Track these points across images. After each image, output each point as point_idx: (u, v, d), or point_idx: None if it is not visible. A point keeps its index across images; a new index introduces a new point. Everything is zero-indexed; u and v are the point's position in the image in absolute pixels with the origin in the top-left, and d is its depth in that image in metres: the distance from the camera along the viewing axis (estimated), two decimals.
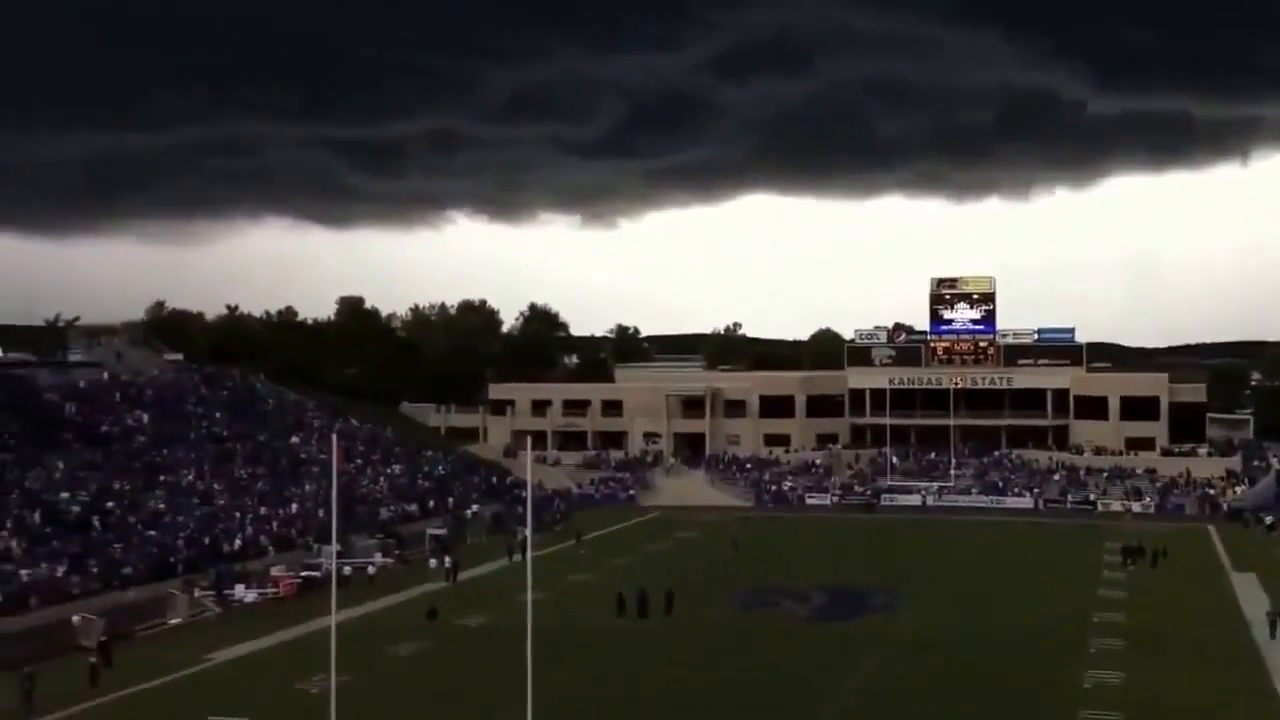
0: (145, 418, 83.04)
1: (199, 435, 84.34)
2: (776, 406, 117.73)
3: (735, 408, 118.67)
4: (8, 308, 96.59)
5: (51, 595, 54.24)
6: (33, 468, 68.66)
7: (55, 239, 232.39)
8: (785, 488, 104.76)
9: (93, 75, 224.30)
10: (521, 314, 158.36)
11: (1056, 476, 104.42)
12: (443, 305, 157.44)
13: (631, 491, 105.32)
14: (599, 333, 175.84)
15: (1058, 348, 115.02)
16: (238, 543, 67.10)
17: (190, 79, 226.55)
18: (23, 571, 55.18)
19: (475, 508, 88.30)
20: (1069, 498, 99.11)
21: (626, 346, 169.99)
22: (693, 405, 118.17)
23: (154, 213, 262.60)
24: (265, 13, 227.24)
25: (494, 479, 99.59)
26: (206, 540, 65.84)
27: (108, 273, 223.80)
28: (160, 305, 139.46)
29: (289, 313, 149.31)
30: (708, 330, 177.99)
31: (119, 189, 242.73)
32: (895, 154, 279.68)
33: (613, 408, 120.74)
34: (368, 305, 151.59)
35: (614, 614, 55.98)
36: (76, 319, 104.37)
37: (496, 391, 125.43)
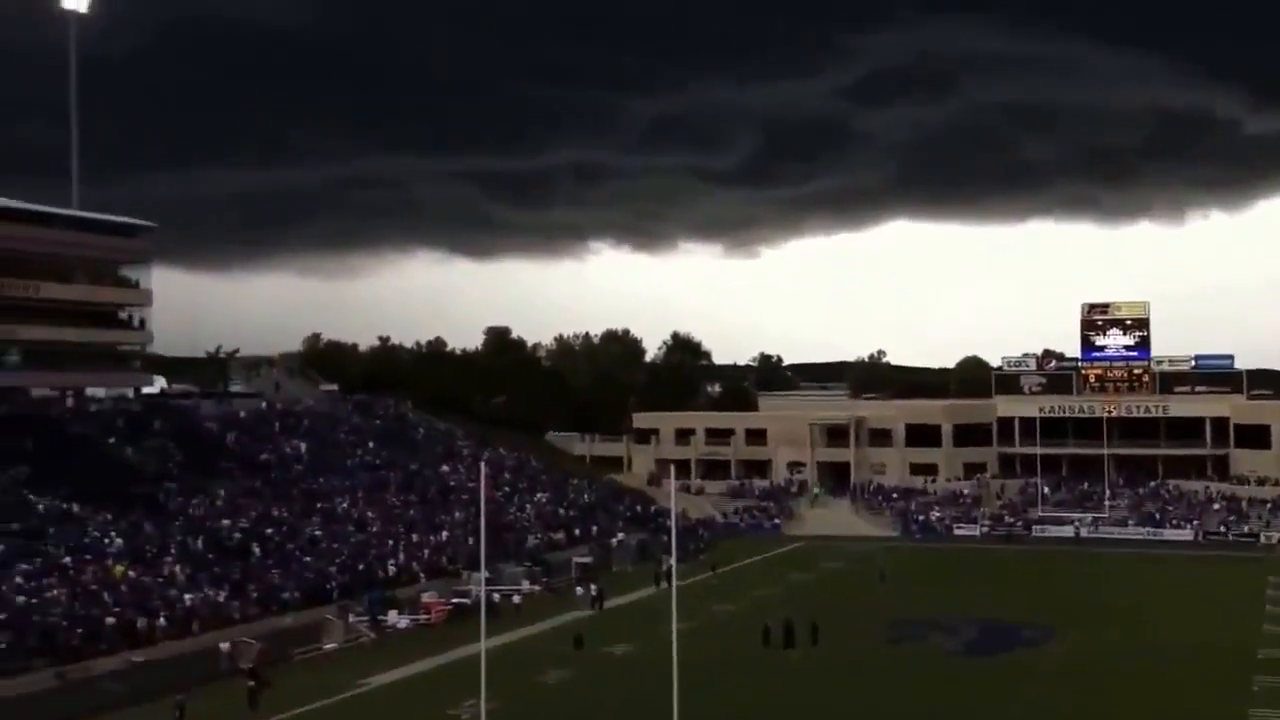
0: (302, 446, 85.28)
1: (353, 463, 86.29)
2: (923, 435, 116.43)
3: (880, 437, 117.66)
4: (173, 341, 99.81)
5: (213, 620, 55.93)
6: (195, 495, 70.92)
7: (218, 274, 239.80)
8: (932, 518, 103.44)
9: (253, 115, 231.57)
10: (664, 343, 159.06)
11: (1216, 507, 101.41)
12: (586, 335, 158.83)
13: (776, 521, 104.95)
14: (742, 361, 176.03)
15: (1216, 374, 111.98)
16: (391, 569, 68.43)
17: (343, 117, 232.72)
18: (186, 596, 56.92)
19: (620, 536, 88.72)
20: (1230, 530, 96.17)
21: (769, 375, 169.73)
22: (837, 434, 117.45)
23: (311, 247, 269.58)
24: (414, 51, 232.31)
25: (638, 508, 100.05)
26: (361, 566, 67.27)
27: (267, 306, 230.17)
28: (316, 337, 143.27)
29: (438, 343, 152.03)
30: (851, 358, 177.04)
31: (278, 225, 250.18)
32: (1042, 177, 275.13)
33: (756, 436, 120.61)
34: (514, 335, 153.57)
35: (759, 645, 55.84)
36: (237, 351, 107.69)
37: (640, 420, 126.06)
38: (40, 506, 62.48)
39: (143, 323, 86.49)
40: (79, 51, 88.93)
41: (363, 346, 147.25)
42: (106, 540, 61.14)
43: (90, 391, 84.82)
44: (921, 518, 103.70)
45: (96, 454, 72.87)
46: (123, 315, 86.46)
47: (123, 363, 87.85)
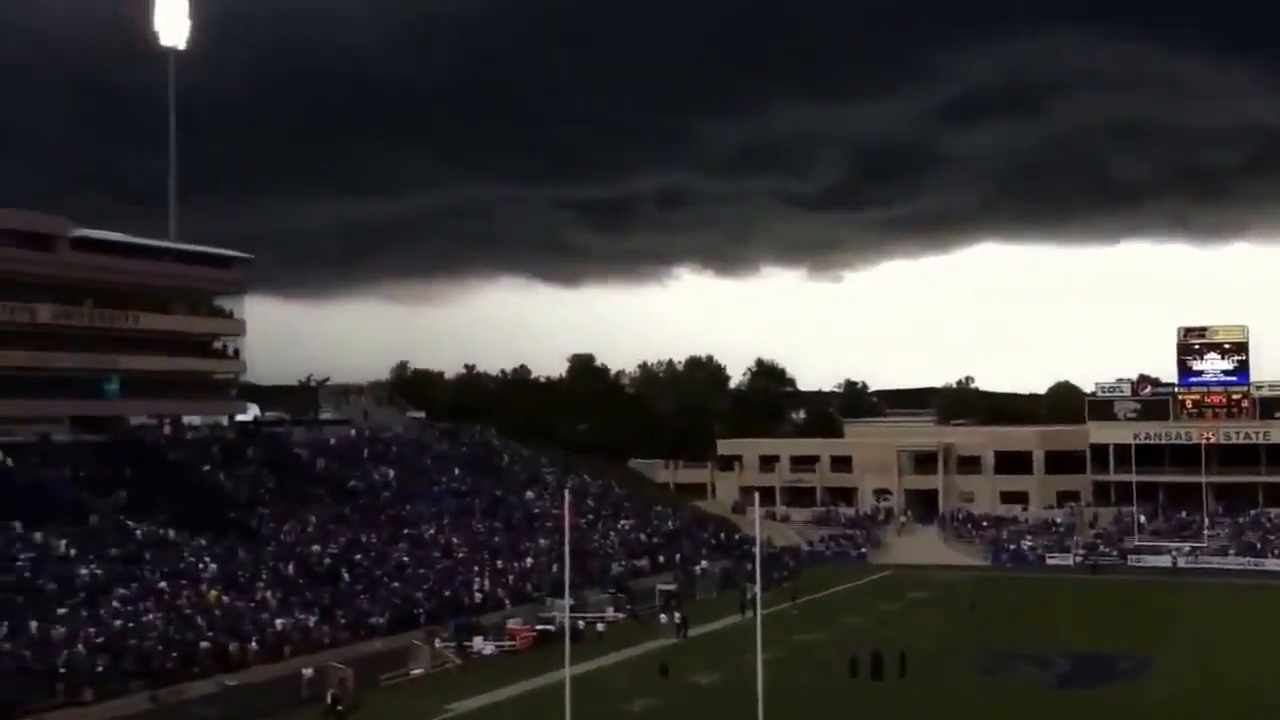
0: (390, 473, 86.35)
1: (440, 490, 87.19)
2: (1013, 462, 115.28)
3: (969, 464, 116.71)
4: (266, 369, 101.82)
5: (303, 645, 56.74)
6: (287, 521, 72.07)
7: (310, 303, 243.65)
8: (1024, 547, 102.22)
9: (344, 148, 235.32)
10: (749, 369, 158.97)
11: None
12: (670, 361, 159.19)
13: (862, 549, 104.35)
14: (827, 387, 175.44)
15: None
16: (476, 595, 69.03)
17: (431, 148, 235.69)
18: (278, 621, 57.81)
19: (704, 564, 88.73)
20: None
21: (856, 401, 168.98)
22: (925, 461, 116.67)
23: (400, 276, 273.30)
24: (501, 79, 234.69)
25: (722, 535, 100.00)
26: (447, 593, 67.93)
27: (357, 334, 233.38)
28: (404, 365, 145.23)
29: (523, 370, 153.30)
30: (939, 384, 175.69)
31: (368, 254, 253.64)
32: (1135, 197, 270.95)
33: (842, 463, 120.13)
34: (597, 362, 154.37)
35: (846, 675, 55.51)
36: (327, 379, 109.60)
37: (724, 447, 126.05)
38: (138, 532, 63.79)
39: (237, 352, 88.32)
40: (178, 87, 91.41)
41: (449, 374, 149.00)
42: (201, 565, 62.29)
43: (186, 419, 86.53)
44: (1012, 547, 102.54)
45: (192, 481, 74.31)
46: (218, 345, 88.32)
47: (218, 391, 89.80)
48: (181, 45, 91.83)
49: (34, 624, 50.38)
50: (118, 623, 52.85)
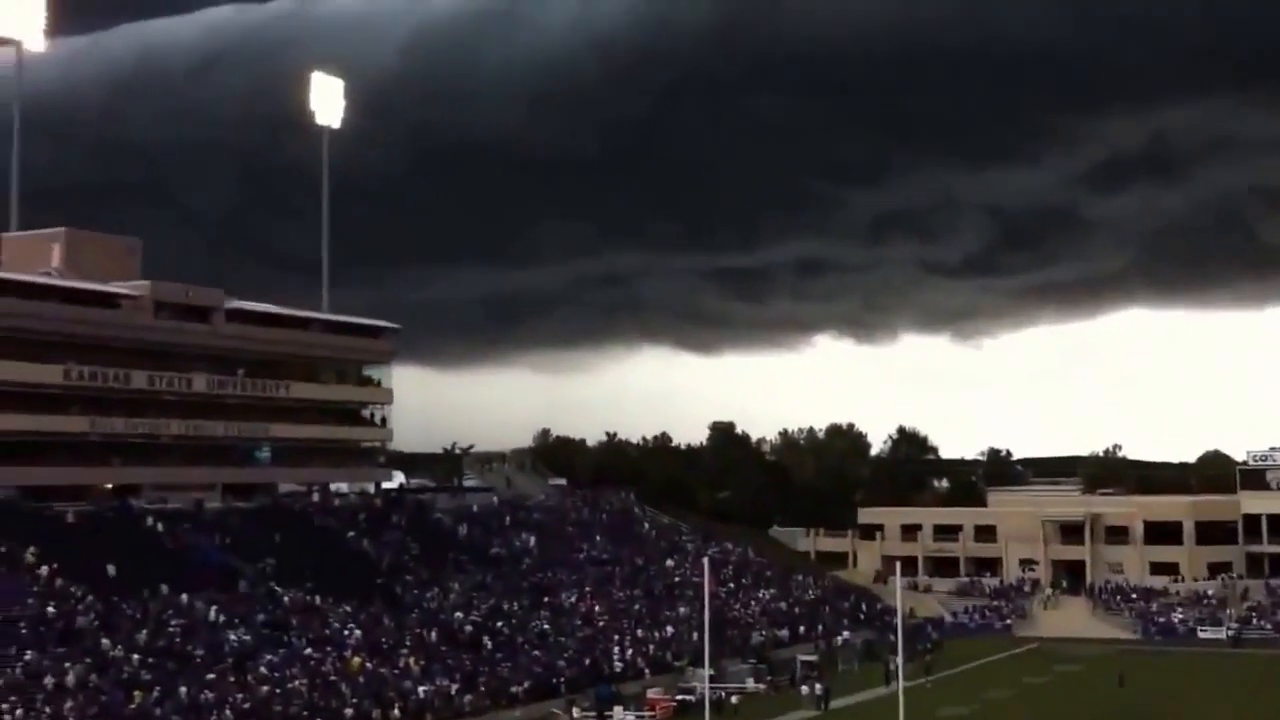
0: (532, 540, 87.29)
1: (581, 558, 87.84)
2: (1163, 533, 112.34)
3: (1117, 534, 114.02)
4: (413, 436, 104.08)
5: (445, 712, 57.49)
6: (430, 588, 73.19)
7: (456, 371, 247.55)
8: (1174, 620, 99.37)
9: (489, 217, 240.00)
10: (890, 437, 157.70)
11: None
12: (811, 429, 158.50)
13: (1008, 621, 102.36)
14: (970, 455, 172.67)
15: None
16: (617, 664, 69.23)
17: (574, 217, 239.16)
18: (420, 688, 58.61)
19: (846, 634, 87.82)
20: None
21: (999, 469, 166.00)
22: (1071, 531, 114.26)
23: (543, 345, 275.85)
24: (641, 149, 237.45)
25: (864, 605, 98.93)
26: (587, 661, 68.24)
27: (500, 402, 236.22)
28: (546, 433, 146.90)
29: (664, 438, 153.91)
30: (1085, 452, 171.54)
31: (512, 324, 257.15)
32: None
33: (986, 533, 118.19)
34: (738, 430, 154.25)
35: None
36: (471, 447, 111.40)
37: (866, 515, 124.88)
38: (285, 599, 65.27)
39: (384, 420, 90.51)
40: (331, 163, 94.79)
41: (591, 441, 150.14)
42: (346, 632, 63.48)
43: (334, 486, 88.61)
44: (1162, 619, 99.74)
45: (338, 547, 75.97)
46: (366, 413, 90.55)
47: (365, 458, 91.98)
48: (336, 124, 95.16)
49: (184, 689, 51.70)
50: (265, 689, 53.98)
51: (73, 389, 71.70)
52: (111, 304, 74.60)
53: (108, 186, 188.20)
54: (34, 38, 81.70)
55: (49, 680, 49.43)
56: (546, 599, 77.58)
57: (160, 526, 69.07)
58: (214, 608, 60.83)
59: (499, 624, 70.65)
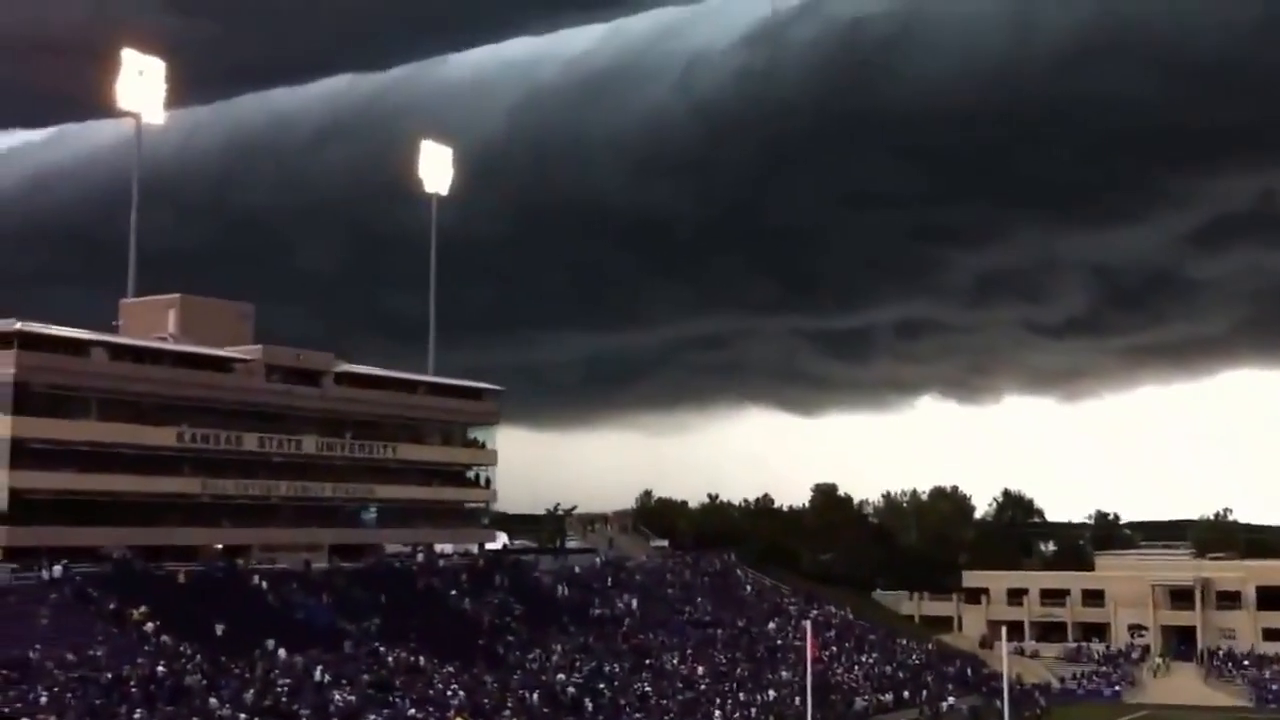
0: (633, 602, 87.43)
1: (682, 620, 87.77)
2: (1276, 598, 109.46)
3: (1229, 599, 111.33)
4: (516, 497, 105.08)
5: None
6: (532, 649, 73.61)
7: (558, 432, 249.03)
8: None
9: (593, 282, 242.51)
10: (995, 500, 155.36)
11: None
12: (914, 491, 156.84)
13: (1117, 688, 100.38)
14: (1077, 519, 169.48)
15: None
16: None
17: (676, 279, 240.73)
18: None
19: (951, 700, 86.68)
20: None
21: (1107, 533, 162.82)
22: (1181, 596, 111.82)
23: (644, 406, 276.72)
24: (741, 211, 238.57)
25: (969, 670, 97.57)
26: None
27: (602, 464, 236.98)
28: (648, 494, 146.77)
29: (766, 499, 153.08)
30: (1195, 516, 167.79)
31: (614, 385, 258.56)
32: None
33: (1094, 598, 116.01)
34: (841, 492, 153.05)
35: None
36: (574, 508, 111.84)
37: (971, 579, 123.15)
38: (390, 658, 66.04)
39: (488, 481, 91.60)
40: (438, 228, 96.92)
41: (693, 503, 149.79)
42: (449, 692, 64.02)
43: (438, 547, 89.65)
44: (1276, 687, 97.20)
45: (442, 608, 76.73)
46: (470, 474, 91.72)
47: (469, 519, 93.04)
48: (444, 191, 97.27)
49: None
50: None
51: (186, 451, 73.67)
52: (225, 368, 76.66)
53: (222, 252, 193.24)
54: (153, 111, 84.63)
55: None
56: (648, 661, 77.61)
57: (268, 586, 70.32)
58: (320, 667, 61.72)
59: (600, 686, 70.79)
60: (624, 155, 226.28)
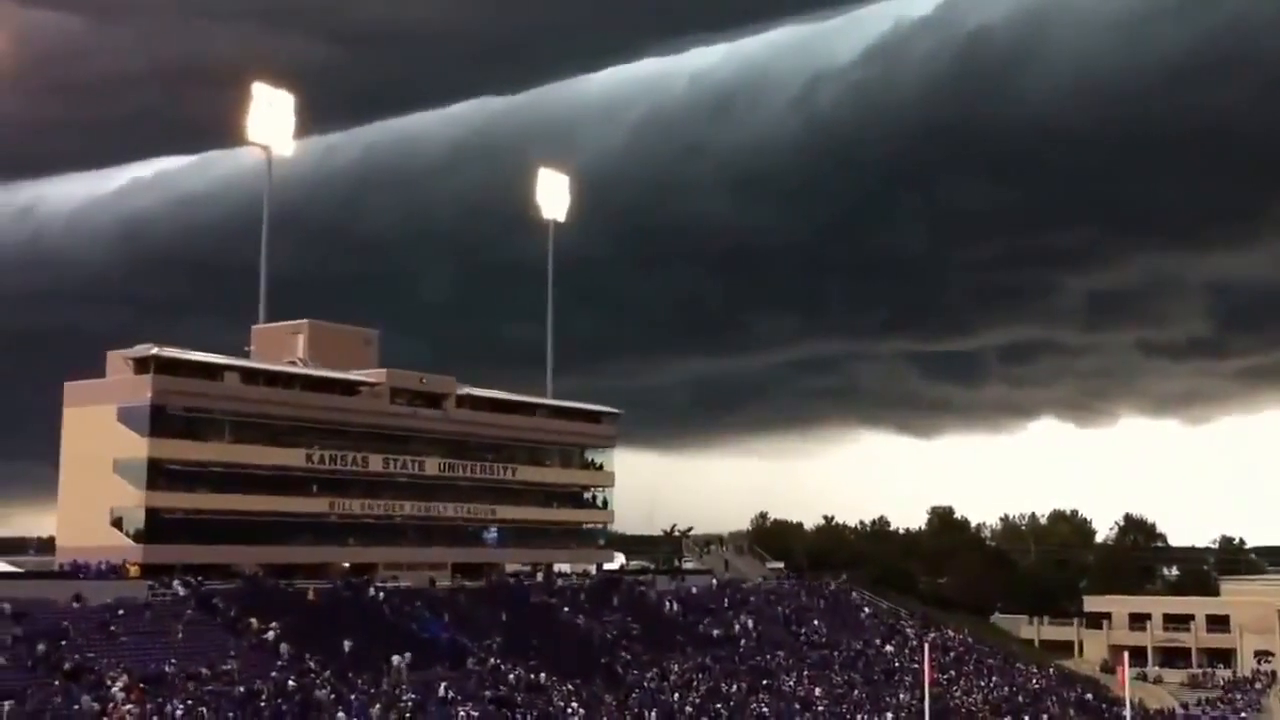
0: (750, 623, 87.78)
1: (799, 641, 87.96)
2: None
3: None
4: (633, 519, 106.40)
5: None
6: (650, 669, 74.31)
7: (674, 455, 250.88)
8: None
9: (704, 306, 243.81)
10: (1116, 524, 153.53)
11: None
12: (1033, 515, 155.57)
13: (1242, 714, 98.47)
14: (1200, 543, 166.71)
15: None
16: None
17: (788, 305, 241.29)
18: None
19: None
20: None
21: (1232, 558, 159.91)
22: None
23: (759, 429, 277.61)
24: (847, 234, 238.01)
25: (1089, 696, 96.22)
26: None
27: (718, 486, 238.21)
28: (763, 516, 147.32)
29: (882, 522, 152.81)
30: None
31: (729, 408, 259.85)
32: None
33: (1218, 623, 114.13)
34: (957, 515, 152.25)
35: None
36: (690, 529, 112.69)
37: (1092, 604, 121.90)
38: (511, 676, 67.13)
39: (605, 502, 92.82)
40: (556, 256, 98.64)
41: (808, 525, 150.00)
42: (569, 710, 64.90)
43: (557, 566, 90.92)
44: None
45: (561, 626, 77.73)
46: (588, 496, 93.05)
47: (587, 540, 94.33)
48: (561, 218, 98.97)
49: None
50: None
51: (314, 472, 75.87)
52: (351, 391, 78.77)
53: (346, 279, 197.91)
54: (282, 143, 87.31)
55: None
56: (765, 682, 77.88)
57: (393, 604, 71.86)
58: (444, 684, 62.97)
59: (718, 705, 71.24)
60: (738, 178, 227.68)
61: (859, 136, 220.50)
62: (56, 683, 51.85)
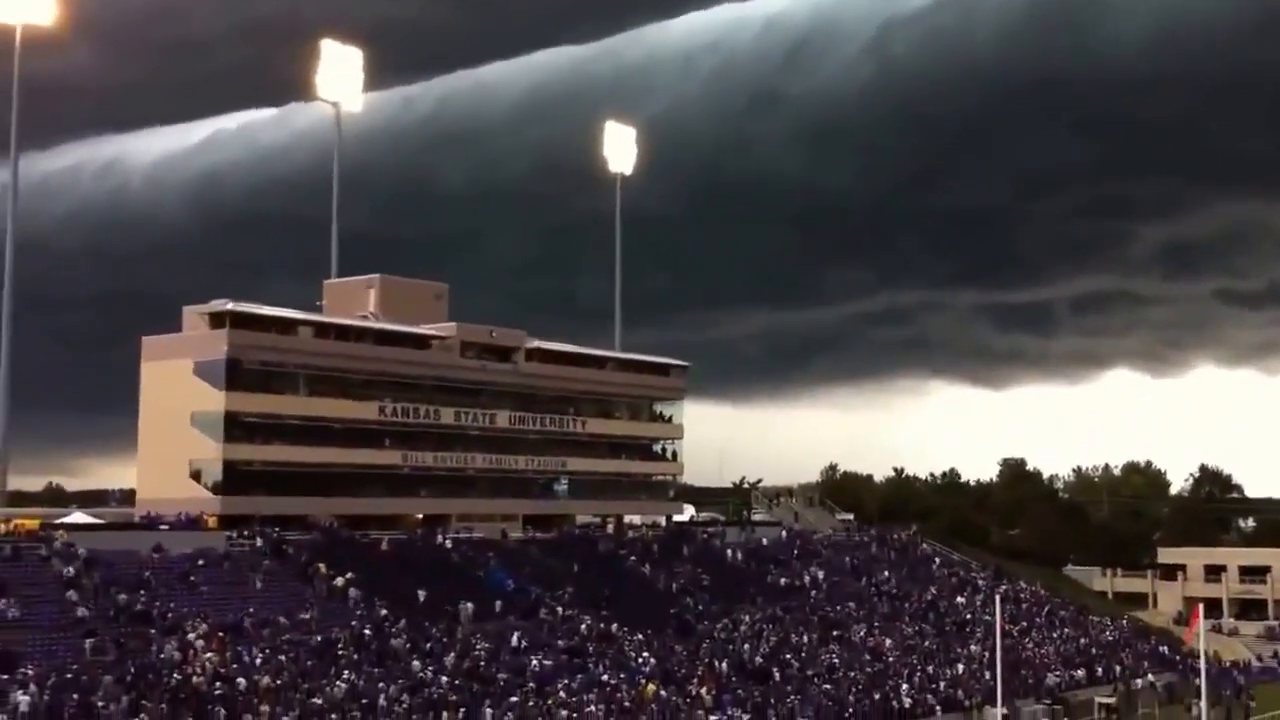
0: (820, 574, 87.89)
1: (869, 592, 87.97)
2: None
3: None
4: (703, 471, 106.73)
5: None
6: (720, 620, 74.68)
7: (744, 407, 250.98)
8: None
9: (773, 259, 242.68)
10: (1191, 475, 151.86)
11: None
12: (1106, 466, 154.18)
13: None
14: (1278, 494, 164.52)
15: None
16: (906, 700, 69.13)
17: (858, 256, 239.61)
18: (711, 718, 59.90)
19: (1150, 678, 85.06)
20: None
21: None
22: None
23: (828, 381, 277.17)
24: (921, 186, 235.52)
25: (1164, 648, 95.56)
26: (876, 696, 68.37)
27: (787, 438, 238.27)
28: (833, 468, 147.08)
29: (952, 474, 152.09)
30: None
31: (799, 361, 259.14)
32: None
33: None
34: (1029, 467, 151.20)
35: None
36: (759, 481, 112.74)
37: (1166, 555, 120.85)
38: (582, 626, 67.73)
39: (675, 455, 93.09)
40: (624, 209, 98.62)
41: (878, 477, 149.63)
42: (640, 660, 65.45)
43: (627, 518, 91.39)
44: None
45: (632, 578, 78.25)
46: (657, 448, 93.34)
47: (657, 492, 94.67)
48: (628, 171, 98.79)
49: (489, 711, 54.29)
50: (564, 713, 56.04)
51: (387, 424, 76.66)
52: (422, 345, 79.40)
53: (417, 234, 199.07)
54: (352, 99, 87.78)
55: (364, 700, 52.71)
56: (835, 633, 78.06)
57: (465, 555, 72.67)
58: (516, 633, 63.70)
59: (787, 656, 71.54)
60: (809, 127, 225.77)
61: (932, 84, 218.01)
62: (138, 631, 53.04)
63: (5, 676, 46.60)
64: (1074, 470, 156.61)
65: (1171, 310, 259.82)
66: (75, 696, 46.31)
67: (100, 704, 46.57)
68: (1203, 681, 39.31)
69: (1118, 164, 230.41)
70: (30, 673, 47.14)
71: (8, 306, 70.56)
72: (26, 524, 60.94)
